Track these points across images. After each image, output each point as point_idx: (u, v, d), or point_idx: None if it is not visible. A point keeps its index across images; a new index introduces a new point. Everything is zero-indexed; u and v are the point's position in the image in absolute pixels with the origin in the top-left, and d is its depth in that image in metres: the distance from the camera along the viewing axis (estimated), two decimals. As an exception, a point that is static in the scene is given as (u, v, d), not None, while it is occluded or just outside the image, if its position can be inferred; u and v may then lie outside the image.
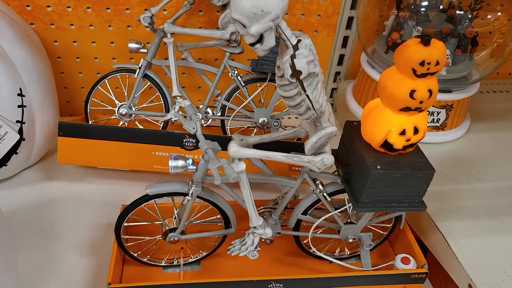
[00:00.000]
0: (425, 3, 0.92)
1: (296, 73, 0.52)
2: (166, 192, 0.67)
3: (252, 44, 0.52)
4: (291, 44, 0.53)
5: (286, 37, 0.52)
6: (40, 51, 0.92)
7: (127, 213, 0.70)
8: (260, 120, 0.94)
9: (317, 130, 0.60)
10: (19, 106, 0.82)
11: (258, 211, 0.76)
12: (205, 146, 0.61)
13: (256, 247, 0.69)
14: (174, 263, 0.77)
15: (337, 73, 1.23)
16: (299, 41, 0.53)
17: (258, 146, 0.73)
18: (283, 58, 0.53)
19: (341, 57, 1.19)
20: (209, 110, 0.97)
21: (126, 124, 0.97)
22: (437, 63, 0.55)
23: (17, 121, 0.83)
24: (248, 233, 0.68)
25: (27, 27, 0.93)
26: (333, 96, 1.24)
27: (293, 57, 0.52)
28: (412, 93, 0.56)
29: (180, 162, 0.64)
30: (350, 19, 1.11)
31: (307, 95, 0.54)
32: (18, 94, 0.82)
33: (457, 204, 0.84)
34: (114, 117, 0.96)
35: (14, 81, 0.81)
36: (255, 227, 0.66)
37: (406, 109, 0.58)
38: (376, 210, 0.65)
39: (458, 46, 0.92)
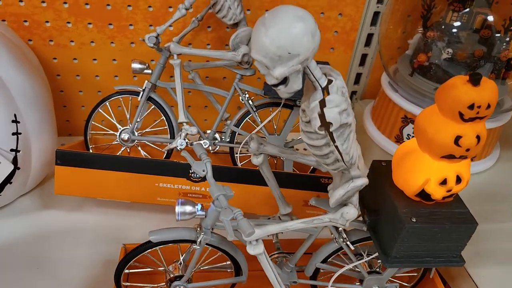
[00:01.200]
0: (456, 23, 0.84)
1: (325, 125, 0.44)
2: (172, 240, 0.60)
3: (275, 85, 0.45)
4: (320, 87, 0.45)
5: (315, 78, 0.45)
6: (37, 72, 0.85)
7: (128, 261, 0.62)
8: (274, 148, 0.87)
9: (344, 179, 0.52)
10: (13, 134, 0.76)
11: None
12: (216, 192, 0.54)
13: None
14: (179, 311, 0.70)
15: (353, 93, 1.15)
16: (329, 81, 0.45)
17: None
18: (310, 103, 0.45)
19: (358, 75, 1.12)
20: (217, 135, 0.90)
21: (129, 151, 0.90)
22: (488, 106, 0.47)
23: (11, 150, 0.76)
24: None
25: (24, 46, 0.86)
26: (349, 116, 1.17)
27: (322, 104, 0.44)
28: (457, 140, 0.49)
29: (188, 208, 0.57)
30: (370, 35, 1.04)
31: (336, 147, 0.46)
32: (13, 121, 0.75)
33: (490, 246, 0.76)
34: (116, 142, 0.89)
35: (8, 107, 0.74)
36: None
37: (449, 157, 0.50)
38: (408, 266, 0.58)
39: (491, 71, 0.84)
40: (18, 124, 0.76)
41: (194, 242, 0.60)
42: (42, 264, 0.77)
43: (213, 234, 0.61)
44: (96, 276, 0.75)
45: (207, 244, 0.61)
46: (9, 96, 0.75)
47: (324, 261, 0.65)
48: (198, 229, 0.60)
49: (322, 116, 0.44)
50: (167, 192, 0.80)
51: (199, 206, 0.57)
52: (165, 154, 0.89)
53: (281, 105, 0.85)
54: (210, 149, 0.89)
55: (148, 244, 0.61)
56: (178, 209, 0.56)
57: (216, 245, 0.62)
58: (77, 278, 0.74)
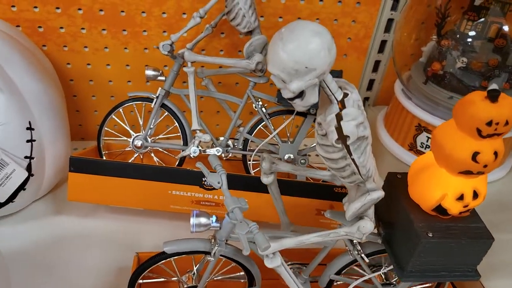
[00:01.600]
0: (471, 32, 0.84)
1: (343, 138, 0.44)
2: (186, 251, 0.60)
3: (291, 99, 0.45)
4: (336, 100, 0.45)
5: (331, 91, 0.45)
6: (52, 78, 0.85)
7: (142, 271, 0.63)
8: (286, 156, 0.87)
9: (360, 192, 0.52)
10: (28, 141, 0.76)
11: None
12: (232, 204, 0.54)
13: None
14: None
15: (366, 99, 1.15)
16: (345, 95, 0.45)
17: (281, 186, 0.66)
18: (326, 116, 0.46)
19: (371, 82, 1.11)
20: (229, 142, 0.89)
21: (141, 157, 0.91)
22: (507, 123, 0.47)
23: (26, 157, 0.77)
24: None
25: (39, 53, 0.86)
26: (361, 122, 1.17)
27: (339, 118, 0.44)
28: (475, 156, 0.48)
29: (203, 220, 0.57)
30: (383, 42, 1.04)
31: (353, 160, 0.46)
32: (27, 128, 0.76)
33: (504, 257, 0.76)
34: (129, 149, 0.89)
35: (23, 114, 0.75)
36: None
37: (467, 173, 0.50)
38: (423, 280, 0.58)
39: (506, 80, 0.83)
40: (32, 131, 0.77)
41: (208, 253, 0.60)
42: (55, 270, 0.77)
43: (227, 246, 0.61)
44: (109, 283, 0.75)
45: (221, 255, 0.61)
46: (24, 103, 0.75)
47: (338, 272, 0.65)
48: (213, 240, 0.60)
49: (339, 129, 0.44)
50: (180, 199, 0.80)
51: (213, 218, 0.57)
52: (178, 161, 0.89)
53: (295, 113, 0.85)
54: (223, 156, 0.89)
55: (163, 255, 0.61)
56: (193, 221, 0.56)
57: (230, 257, 0.62)
58: (90, 285, 0.75)
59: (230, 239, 0.59)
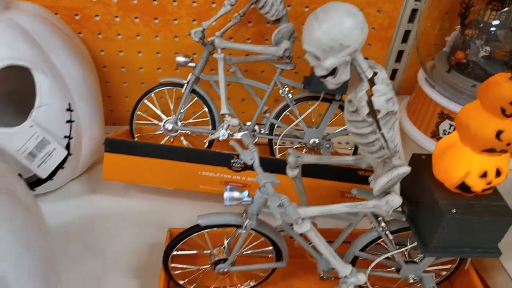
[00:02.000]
0: (495, 22, 0.85)
1: (373, 112, 0.47)
2: (219, 224, 0.64)
3: (323, 76, 0.48)
4: (366, 78, 0.48)
5: (362, 70, 0.48)
6: (89, 64, 0.90)
7: (177, 243, 0.66)
8: (311, 141, 0.90)
9: (387, 168, 0.55)
10: (67, 121, 0.81)
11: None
12: (263, 180, 0.57)
13: None
14: (222, 292, 0.74)
15: (389, 88, 1.17)
16: (374, 74, 0.48)
17: (306, 168, 0.69)
18: (357, 93, 0.49)
19: (394, 71, 1.13)
20: (256, 127, 0.93)
21: (172, 140, 0.95)
22: (530, 102, 0.49)
23: (65, 136, 0.81)
24: (341, 283, 0.63)
25: (77, 39, 0.91)
26: (383, 111, 1.19)
27: (370, 93, 0.47)
28: (499, 134, 0.51)
29: (236, 194, 0.60)
30: (407, 32, 1.06)
31: (382, 134, 0.49)
32: (67, 109, 0.80)
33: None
34: (160, 132, 0.93)
35: (64, 96, 0.79)
36: (345, 276, 0.61)
37: (490, 151, 0.52)
38: (446, 256, 0.60)
39: (530, 69, 0.85)
40: (72, 112, 0.81)
41: (239, 227, 0.64)
42: (91, 246, 0.81)
43: (258, 220, 0.64)
44: (142, 258, 0.79)
45: (251, 229, 0.64)
46: (64, 86, 0.80)
47: (363, 249, 0.67)
48: (244, 214, 0.63)
49: (370, 104, 0.47)
50: (209, 180, 0.83)
51: (246, 193, 0.61)
52: (206, 144, 0.93)
53: (320, 99, 0.88)
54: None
55: (196, 228, 0.65)
56: (227, 194, 0.60)
57: (260, 230, 0.65)
58: (125, 260, 0.78)
59: (261, 213, 0.63)
